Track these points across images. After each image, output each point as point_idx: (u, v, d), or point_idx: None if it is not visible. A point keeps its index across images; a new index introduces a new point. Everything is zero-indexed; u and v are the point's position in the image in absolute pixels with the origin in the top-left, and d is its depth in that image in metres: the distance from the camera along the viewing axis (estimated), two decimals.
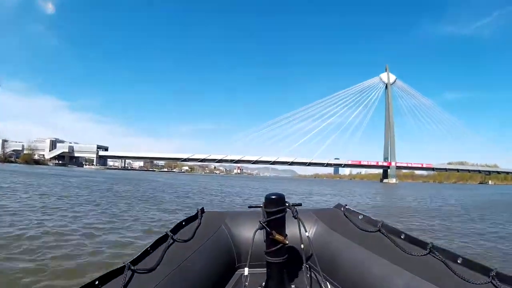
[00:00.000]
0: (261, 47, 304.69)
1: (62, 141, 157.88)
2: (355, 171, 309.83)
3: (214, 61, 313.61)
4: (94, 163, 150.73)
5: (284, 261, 2.14)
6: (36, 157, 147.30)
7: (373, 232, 2.25)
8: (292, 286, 2.21)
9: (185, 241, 2.17)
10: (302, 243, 2.21)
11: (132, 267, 1.66)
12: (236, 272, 2.48)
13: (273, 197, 2.13)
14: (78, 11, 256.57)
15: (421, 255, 1.86)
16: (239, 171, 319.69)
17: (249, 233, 2.35)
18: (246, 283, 2.04)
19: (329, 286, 2.15)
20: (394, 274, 1.86)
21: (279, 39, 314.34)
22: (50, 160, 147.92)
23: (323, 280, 2.20)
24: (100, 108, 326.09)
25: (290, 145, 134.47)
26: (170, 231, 2.17)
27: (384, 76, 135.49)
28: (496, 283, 1.52)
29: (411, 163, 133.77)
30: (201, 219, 2.56)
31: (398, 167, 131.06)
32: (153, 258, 1.83)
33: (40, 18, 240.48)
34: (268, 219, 2.09)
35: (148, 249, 1.90)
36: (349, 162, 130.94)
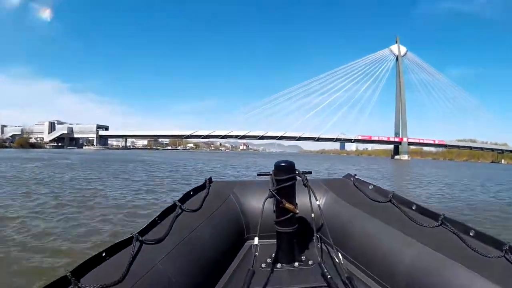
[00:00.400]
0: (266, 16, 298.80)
1: (62, 123, 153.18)
2: (361, 147, 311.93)
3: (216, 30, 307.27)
4: (94, 144, 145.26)
5: (294, 231, 2.11)
6: (33, 140, 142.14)
7: (383, 202, 2.18)
8: (302, 257, 2.18)
9: (194, 211, 2.12)
10: (313, 213, 2.08)
11: (140, 238, 1.62)
12: (246, 243, 2.41)
13: (283, 164, 2.07)
14: None
15: (433, 227, 1.83)
16: (245, 147, 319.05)
17: (258, 202, 2.24)
18: (256, 253, 1.91)
19: (340, 257, 2.00)
20: (405, 245, 1.84)
21: (284, 9, 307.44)
22: (49, 143, 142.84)
23: (334, 250, 2.09)
24: (101, 88, 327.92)
25: (297, 120, 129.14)
26: (178, 200, 2.10)
27: (394, 48, 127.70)
28: (510, 257, 1.47)
29: (423, 139, 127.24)
30: (209, 188, 2.46)
31: (410, 143, 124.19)
32: (161, 229, 1.81)
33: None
34: (278, 187, 2.03)
35: (156, 219, 1.86)
36: (359, 137, 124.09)
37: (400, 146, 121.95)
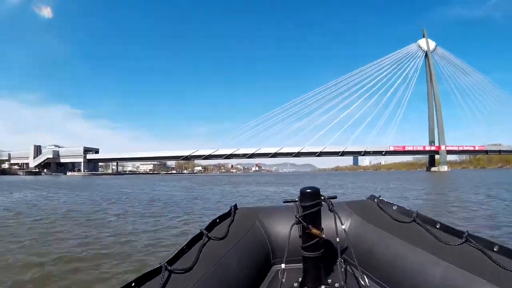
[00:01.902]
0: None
1: (59, 146, 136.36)
2: (374, 161, 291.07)
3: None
4: (82, 169, 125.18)
5: (321, 255, 2.10)
6: (16, 167, 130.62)
7: (408, 222, 2.16)
8: (329, 280, 2.15)
9: (220, 238, 2.11)
10: (338, 237, 2.10)
11: (169, 267, 1.62)
12: (272, 268, 2.38)
13: (308, 191, 2.07)
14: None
15: (457, 244, 1.81)
16: (257, 168, 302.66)
17: (284, 228, 2.33)
18: (283, 280, 1.96)
19: (366, 279, 2.07)
20: (431, 264, 1.83)
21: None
22: (34, 169, 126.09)
23: (360, 273, 2.11)
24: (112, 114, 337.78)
25: (312, 136, 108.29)
26: (205, 228, 2.11)
27: (422, 42, 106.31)
28: None
29: (462, 146, 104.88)
30: (234, 216, 2.45)
31: (449, 152, 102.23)
32: (189, 257, 1.81)
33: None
34: (304, 213, 2.03)
35: (184, 248, 1.87)
36: (391, 149, 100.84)
37: (437, 155, 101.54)
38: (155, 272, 1.54)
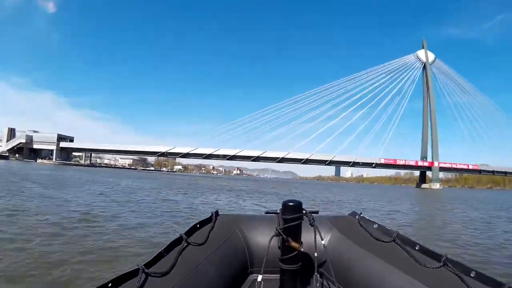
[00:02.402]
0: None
1: (36, 132, 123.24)
2: (356, 173, 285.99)
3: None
4: (53, 157, 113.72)
5: (298, 268, 2.12)
6: None
7: (388, 242, 2.17)
8: None
9: (199, 244, 2.11)
10: (317, 251, 2.12)
11: (146, 270, 1.61)
12: (249, 278, 2.37)
13: (291, 204, 2.09)
14: None
15: (435, 267, 1.82)
16: (238, 171, 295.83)
17: (264, 238, 2.32)
18: (261, 284, 1.93)
19: None
20: (407, 285, 1.82)
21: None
22: (6, 153, 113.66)
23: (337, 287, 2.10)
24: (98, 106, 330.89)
25: (296, 142, 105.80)
26: (185, 233, 2.11)
27: (421, 53, 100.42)
28: None
29: (455, 164, 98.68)
30: (215, 222, 2.45)
31: (441, 169, 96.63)
32: (167, 261, 1.80)
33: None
34: (285, 226, 2.05)
35: (162, 252, 1.86)
36: (382, 161, 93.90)
37: (430, 172, 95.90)
38: (132, 274, 1.52)
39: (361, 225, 2.45)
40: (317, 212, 2.29)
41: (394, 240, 2.12)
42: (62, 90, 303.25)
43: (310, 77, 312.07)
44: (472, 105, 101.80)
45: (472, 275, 1.65)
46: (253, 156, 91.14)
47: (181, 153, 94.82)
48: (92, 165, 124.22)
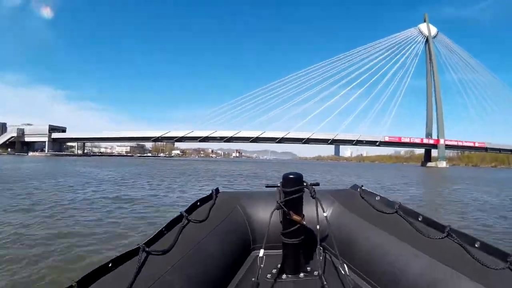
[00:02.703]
0: None
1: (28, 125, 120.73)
2: (356, 152, 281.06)
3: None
4: (46, 149, 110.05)
5: (300, 242, 2.09)
6: None
7: (390, 213, 2.14)
8: (308, 268, 2.15)
9: (200, 221, 2.07)
10: (319, 224, 2.04)
11: (147, 249, 1.59)
12: (251, 254, 2.34)
13: (291, 176, 2.05)
14: None
15: (439, 238, 1.80)
16: (237, 154, 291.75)
17: (265, 213, 2.28)
18: (262, 265, 1.90)
19: (345, 268, 1.95)
20: (411, 257, 1.81)
21: None
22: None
23: (340, 262, 2.01)
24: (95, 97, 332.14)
25: (295, 121, 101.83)
26: (185, 211, 2.07)
27: (423, 27, 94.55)
28: None
29: (461, 141, 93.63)
30: (215, 199, 2.42)
31: (448, 146, 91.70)
32: (168, 239, 1.78)
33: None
34: (286, 198, 2.01)
35: (163, 230, 1.84)
36: (386, 139, 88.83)
37: (436, 149, 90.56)
38: (133, 253, 1.51)
39: (362, 198, 2.41)
40: (318, 184, 2.16)
41: (396, 212, 2.09)
42: (57, 84, 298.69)
43: (307, 54, 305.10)
44: (477, 81, 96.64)
45: (476, 245, 1.63)
46: (251, 137, 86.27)
47: (176, 137, 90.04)
48: (85, 154, 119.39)
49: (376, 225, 2.10)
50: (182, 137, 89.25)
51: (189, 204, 2.19)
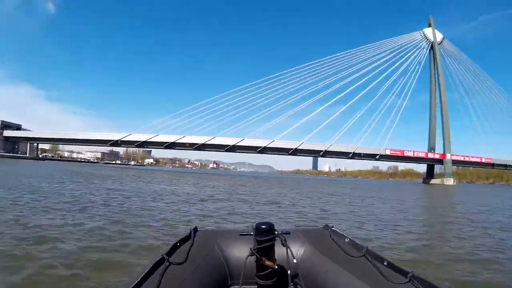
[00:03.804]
0: None
1: None
2: (334, 167, 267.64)
3: None
4: None
5: (274, 284, 2.21)
6: None
7: (357, 257, 2.22)
8: None
9: (181, 263, 2.13)
10: (290, 267, 2.21)
11: None
12: None
13: (263, 227, 2.16)
14: None
15: (401, 283, 1.85)
16: (214, 165, 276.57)
17: (241, 252, 2.38)
18: None
19: None
20: None
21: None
22: None
23: None
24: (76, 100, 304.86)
25: (278, 130, 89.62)
26: (166, 254, 2.13)
27: (428, 32, 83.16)
28: None
29: (468, 157, 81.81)
30: (194, 239, 2.49)
31: (454, 162, 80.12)
32: (151, 284, 1.82)
33: None
34: (258, 246, 2.12)
35: (147, 273, 1.88)
36: (387, 153, 75.60)
37: (440, 165, 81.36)
38: None
39: (332, 239, 2.50)
40: (288, 233, 2.38)
41: (364, 255, 2.16)
42: (39, 83, 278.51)
43: (301, 52, 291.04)
44: (485, 94, 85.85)
45: None
46: (227, 145, 70.19)
47: (137, 141, 72.90)
48: (38, 158, 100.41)
49: (343, 267, 2.16)
50: (145, 141, 72.39)
51: (170, 245, 2.26)
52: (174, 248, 2.26)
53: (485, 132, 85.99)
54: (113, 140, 74.13)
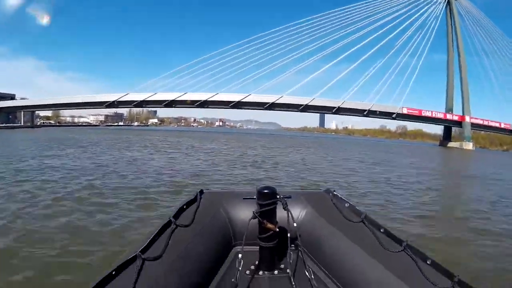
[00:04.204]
0: None
1: None
2: (341, 125, 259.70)
3: None
4: None
5: (275, 245, 2.28)
6: None
7: (356, 222, 2.30)
8: (281, 265, 2.35)
9: (187, 225, 2.21)
10: (290, 231, 2.28)
11: (142, 256, 1.71)
12: (232, 250, 2.51)
13: (266, 191, 2.21)
14: None
15: (396, 251, 1.92)
16: (221, 123, 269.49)
17: (245, 214, 2.42)
18: (242, 262, 2.07)
19: (313, 268, 2.25)
20: (369, 266, 1.94)
21: None
22: None
23: (309, 262, 2.31)
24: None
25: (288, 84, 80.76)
26: (173, 216, 2.19)
27: None
28: None
29: (487, 121, 74.14)
30: (200, 201, 2.53)
31: (473, 125, 72.05)
32: (159, 246, 1.89)
33: None
34: (260, 210, 2.19)
35: (155, 237, 1.94)
36: (404, 111, 68.54)
37: (457, 128, 74.19)
38: (130, 261, 1.63)
39: (333, 203, 2.55)
40: (290, 197, 2.36)
41: (362, 221, 2.22)
42: (41, 54, 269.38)
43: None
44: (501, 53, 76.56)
45: (428, 263, 1.75)
46: (232, 101, 63.98)
47: (135, 100, 66.85)
48: (34, 126, 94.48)
49: (342, 231, 2.24)
50: (143, 101, 66.35)
51: (176, 208, 2.29)
52: (181, 210, 2.29)
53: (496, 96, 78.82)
54: (109, 101, 67.93)
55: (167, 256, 1.81)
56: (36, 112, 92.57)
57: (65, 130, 68.66)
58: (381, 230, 2.10)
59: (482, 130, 78.04)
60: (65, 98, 73.78)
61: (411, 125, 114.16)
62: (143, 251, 1.74)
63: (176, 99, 64.64)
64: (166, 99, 65.06)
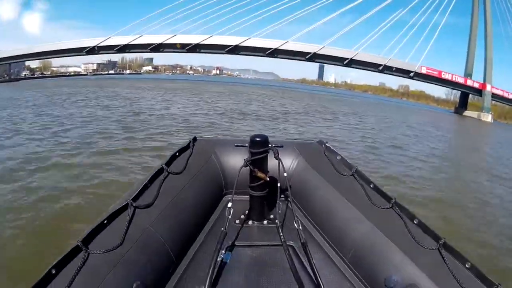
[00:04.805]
0: None
1: None
2: (340, 78, 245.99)
3: None
4: None
5: (265, 195, 2.26)
6: None
7: (346, 176, 2.28)
8: (271, 215, 2.35)
9: (179, 173, 2.20)
10: (280, 181, 2.24)
11: (134, 204, 1.71)
12: (223, 199, 2.51)
13: (258, 139, 2.18)
14: None
15: (384, 208, 1.91)
16: (218, 72, 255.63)
17: (237, 162, 2.36)
18: (232, 210, 2.06)
19: (302, 219, 2.26)
20: (356, 221, 1.94)
21: None
22: None
23: (298, 213, 2.30)
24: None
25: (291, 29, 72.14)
26: (165, 163, 2.18)
27: None
28: (442, 251, 1.55)
29: (508, 93, 65.38)
30: (192, 148, 2.52)
31: (494, 95, 63.16)
32: (151, 193, 1.88)
33: None
34: (252, 158, 2.15)
35: (147, 184, 1.93)
36: (423, 71, 60.00)
37: (476, 96, 65.89)
38: (122, 208, 1.64)
39: (325, 155, 2.52)
40: (281, 146, 2.30)
41: (353, 175, 2.22)
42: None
43: None
44: None
45: (415, 222, 1.73)
46: (228, 45, 54.19)
47: (117, 45, 57.20)
48: (11, 79, 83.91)
49: (332, 184, 2.24)
50: (126, 45, 56.83)
51: (169, 155, 2.26)
52: (173, 158, 2.26)
53: None
54: (89, 47, 58.08)
55: (158, 205, 1.81)
56: (27, 63, 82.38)
57: (44, 81, 59.47)
58: (371, 186, 2.07)
59: (501, 102, 69.64)
60: (38, 47, 61.41)
61: (413, 86, 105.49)
62: (135, 199, 1.73)
63: (164, 42, 55.18)
64: (153, 43, 55.59)
